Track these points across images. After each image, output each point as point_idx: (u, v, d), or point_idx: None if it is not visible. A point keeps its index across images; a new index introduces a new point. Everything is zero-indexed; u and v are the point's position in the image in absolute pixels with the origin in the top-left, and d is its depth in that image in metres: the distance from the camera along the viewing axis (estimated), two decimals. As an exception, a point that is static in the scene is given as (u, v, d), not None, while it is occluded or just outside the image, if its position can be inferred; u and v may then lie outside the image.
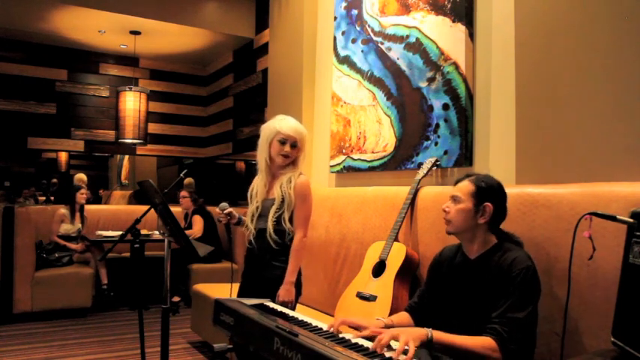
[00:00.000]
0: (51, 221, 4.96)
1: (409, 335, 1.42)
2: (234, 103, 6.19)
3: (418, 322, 1.87)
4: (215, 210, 2.47)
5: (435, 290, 1.86)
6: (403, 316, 1.89)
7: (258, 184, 2.41)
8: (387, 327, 1.76)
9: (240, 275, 2.52)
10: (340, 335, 1.55)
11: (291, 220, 2.31)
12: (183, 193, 5.33)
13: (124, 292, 5.10)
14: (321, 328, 1.64)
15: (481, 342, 1.53)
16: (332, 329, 1.61)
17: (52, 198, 7.36)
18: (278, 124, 2.35)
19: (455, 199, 1.74)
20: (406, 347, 1.39)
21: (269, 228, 2.28)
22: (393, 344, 1.42)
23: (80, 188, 5.12)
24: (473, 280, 1.72)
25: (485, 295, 1.65)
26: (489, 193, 1.71)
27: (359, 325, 1.68)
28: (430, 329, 1.51)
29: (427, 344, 1.48)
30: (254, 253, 2.37)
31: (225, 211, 2.38)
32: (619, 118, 1.87)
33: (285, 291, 2.27)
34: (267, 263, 2.32)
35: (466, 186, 1.73)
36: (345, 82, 3.49)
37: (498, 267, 1.65)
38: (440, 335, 1.51)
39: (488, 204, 1.70)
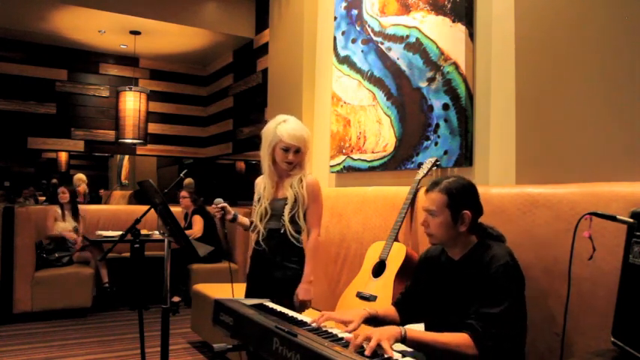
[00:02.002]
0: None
1: (381, 335, 1.41)
2: (234, 103, 6.19)
3: (403, 317, 1.87)
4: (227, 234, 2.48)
5: (422, 288, 1.85)
6: (390, 309, 1.90)
7: (265, 186, 2.40)
8: (372, 317, 1.77)
9: (246, 276, 2.51)
10: (339, 335, 1.55)
11: (303, 218, 2.33)
12: (183, 193, 5.33)
13: (124, 292, 5.11)
14: (320, 328, 1.64)
15: (456, 338, 1.52)
16: (315, 324, 1.63)
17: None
18: (279, 131, 2.31)
19: (430, 212, 1.69)
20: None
21: (287, 227, 2.28)
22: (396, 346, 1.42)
23: (58, 187, 5.12)
24: (456, 280, 1.71)
25: (466, 294, 1.65)
26: (463, 199, 1.67)
27: (343, 320, 1.68)
28: (404, 327, 1.50)
29: (402, 342, 1.47)
30: (264, 255, 2.35)
31: (219, 205, 2.37)
32: (619, 118, 1.87)
33: (304, 290, 2.29)
34: (278, 264, 2.32)
35: (438, 197, 1.68)
36: (345, 82, 3.49)
37: (478, 266, 1.64)
38: (414, 333, 1.49)
39: (466, 212, 1.66)
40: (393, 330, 1.47)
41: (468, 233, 1.70)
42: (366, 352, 1.34)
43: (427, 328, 1.81)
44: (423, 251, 2.43)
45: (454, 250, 1.74)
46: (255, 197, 2.45)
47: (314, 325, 1.65)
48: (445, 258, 1.79)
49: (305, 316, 1.81)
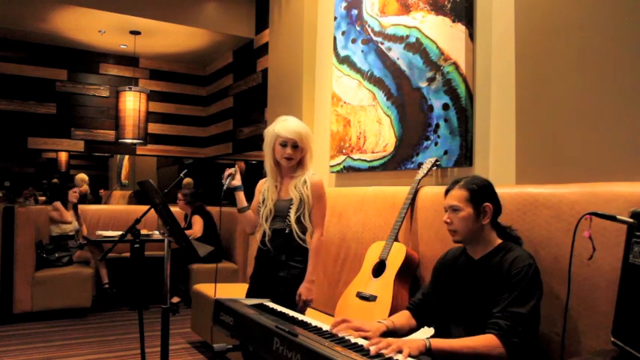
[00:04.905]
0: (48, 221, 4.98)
1: (404, 344, 1.43)
2: (234, 103, 6.19)
3: (420, 322, 1.88)
4: (215, 209, 2.47)
5: (440, 292, 1.87)
6: (404, 316, 1.89)
7: (268, 187, 2.41)
8: (389, 329, 1.78)
9: (250, 276, 2.52)
10: (340, 335, 1.54)
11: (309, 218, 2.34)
12: (179, 195, 5.33)
13: (124, 292, 5.11)
14: (320, 328, 1.64)
15: (482, 340, 1.53)
16: (334, 330, 1.60)
17: (52, 198, 7.37)
18: (277, 127, 2.35)
19: (453, 208, 1.75)
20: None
21: (294, 228, 2.29)
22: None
23: (73, 187, 5.15)
24: (476, 279, 1.74)
25: (487, 294, 1.66)
26: (483, 193, 1.75)
27: (361, 329, 1.68)
28: (428, 339, 1.51)
29: (427, 354, 1.48)
30: (268, 254, 2.37)
31: (232, 169, 2.40)
32: (619, 117, 1.87)
33: (307, 290, 2.30)
34: (283, 263, 2.33)
35: (460, 193, 1.75)
36: (345, 82, 3.49)
37: (500, 266, 1.67)
38: (438, 343, 1.51)
39: (487, 204, 1.73)
40: (418, 342, 1.49)
41: (491, 230, 1.76)
42: (386, 353, 1.37)
43: (441, 329, 1.82)
44: (426, 251, 2.45)
45: (475, 248, 1.78)
46: (260, 198, 2.45)
47: (331, 331, 1.62)
48: (464, 258, 1.82)
49: (305, 316, 1.81)
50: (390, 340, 1.46)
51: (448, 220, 1.77)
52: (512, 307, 1.56)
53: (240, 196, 2.45)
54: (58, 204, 4.99)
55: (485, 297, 1.67)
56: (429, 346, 1.48)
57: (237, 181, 2.41)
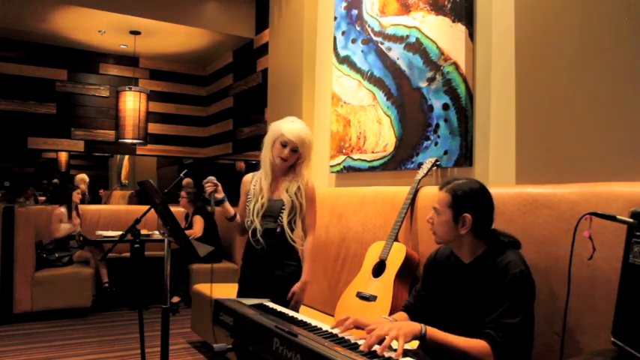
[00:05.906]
0: (50, 221, 4.97)
1: (399, 330, 1.41)
2: (234, 103, 6.19)
3: (414, 321, 1.87)
4: (215, 209, 2.45)
5: (432, 290, 1.85)
6: (402, 317, 1.89)
7: (262, 182, 2.39)
8: None
9: (239, 277, 2.52)
10: (340, 335, 1.54)
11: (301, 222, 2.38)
12: (182, 193, 5.33)
13: (124, 292, 5.11)
14: (320, 328, 1.63)
15: (476, 344, 1.52)
16: (341, 329, 1.56)
17: (53, 198, 7.37)
18: (283, 126, 2.34)
19: (435, 210, 1.73)
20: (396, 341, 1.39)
21: (287, 231, 2.32)
22: (393, 344, 1.41)
23: (77, 188, 5.18)
24: (467, 284, 1.71)
25: (479, 299, 1.64)
26: (466, 202, 1.66)
27: (367, 325, 1.67)
28: (425, 325, 1.50)
29: (420, 339, 1.48)
30: (259, 252, 2.35)
31: (213, 181, 2.34)
32: (619, 118, 1.87)
33: (301, 290, 2.33)
34: (278, 262, 2.35)
35: (443, 197, 1.70)
36: (345, 82, 3.49)
37: (492, 271, 1.63)
38: (434, 332, 1.50)
39: (467, 215, 1.65)
40: (413, 326, 1.47)
41: (475, 238, 1.69)
42: (378, 351, 1.36)
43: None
44: (426, 251, 2.45)
45: (461, 252, 1.74)
46: (251, 193, 2.41)
47: (338, 330, 1.57)
48: (455, 260, 1.79)
49: (305, 316, 1.80)
50: (385, 325, 1.44)
51: (430, 220, 1.75)
52: (505, 318, 1.53)
53: (227, 206, 2.41)
54: (61, 211, 4.97)
55: (477, 301, 1.64)
56: (423, 332, 1.47)
57: (220, 193, 2.38)
